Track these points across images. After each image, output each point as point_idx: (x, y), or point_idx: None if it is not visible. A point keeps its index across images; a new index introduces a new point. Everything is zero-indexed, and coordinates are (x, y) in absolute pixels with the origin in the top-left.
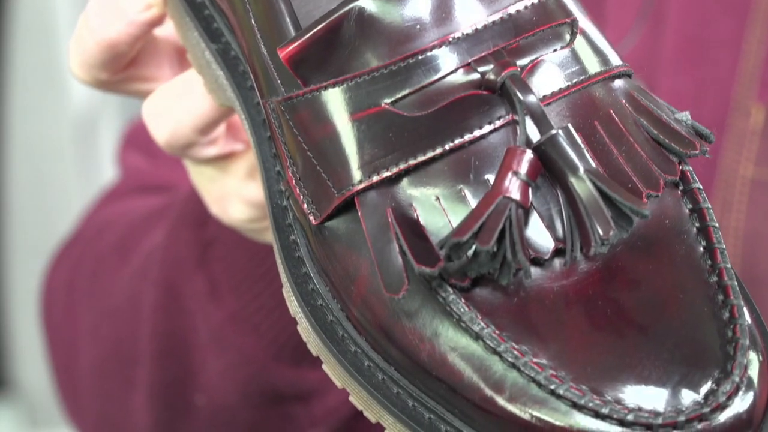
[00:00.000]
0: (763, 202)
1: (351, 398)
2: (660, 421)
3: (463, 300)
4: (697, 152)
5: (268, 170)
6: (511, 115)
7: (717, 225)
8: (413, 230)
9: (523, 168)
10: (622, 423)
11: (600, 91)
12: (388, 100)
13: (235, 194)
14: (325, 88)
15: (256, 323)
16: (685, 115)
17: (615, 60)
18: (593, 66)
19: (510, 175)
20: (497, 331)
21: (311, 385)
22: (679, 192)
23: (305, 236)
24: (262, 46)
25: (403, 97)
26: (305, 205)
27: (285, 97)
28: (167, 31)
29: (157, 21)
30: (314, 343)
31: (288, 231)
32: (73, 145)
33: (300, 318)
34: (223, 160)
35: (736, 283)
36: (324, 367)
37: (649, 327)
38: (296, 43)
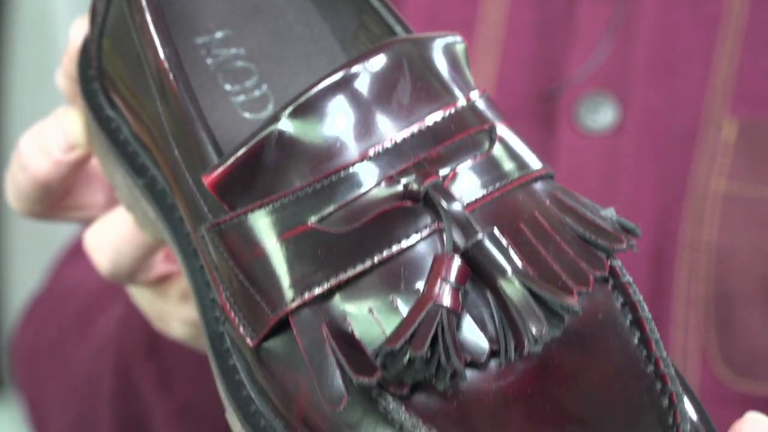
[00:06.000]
0: (736, 217)
1: None
2: None
3: (403, 407)
4: (623, 247)
5: (203, 298)
6: (436, 223)
7: (650, 316)
8: (349, 343)
9: (452, 274)
10: None
11: (522, 194)
12: (314, 219)
13: (172, 315)
14: (252, 211)
15: (207, 413)
16: (610, 212)
17: (535, 164)
18: (514, 171)
19: (439, 281)
20: None
21: None
22: (610, 287)
23: (243, 359)
24: (188, 175)
25: (329, 214)
26: (241, 328)
27: (213, 223)
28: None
29: (83, 161)
30: None
31: (226, 355)
32: None
33: None
34: (159, 283)
35: (673, 370)
36: None
37: (590, 420)
38: (219, 170)
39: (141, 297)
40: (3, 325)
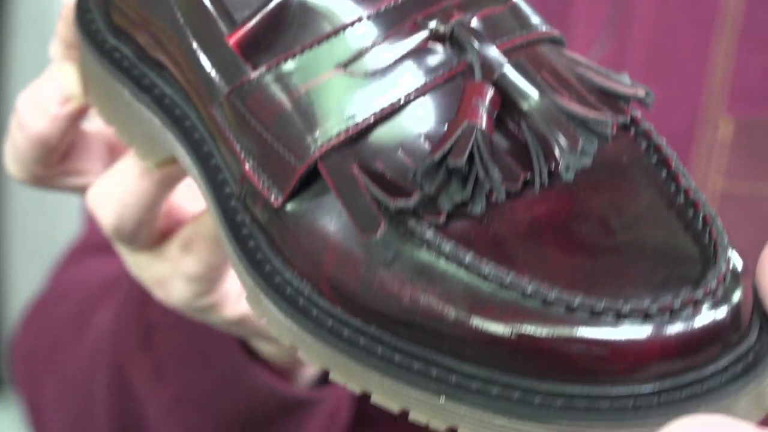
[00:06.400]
0: (733, 215)
1: (332, 376)
2: (656, 308)
3: (441, 234)
4: (642, 94)
5: (219, 195)
6: (463, 62)
7: (675, 155)
8: (381, 179)
9: (485, 98)
10: (618, 315)
11: (541, 47)
12: (339, 65)
13: (173, 275)
14: (276, 65)
15: (202, 403)
16: (624, 76)
17: (548, 27)
18: (529, 28)
19: (472, 104)
20: (479, 257)
21: None
22: (632, 134)
23: (265, 234)
24: (204, 58)
25: (354, 59)
26: (267, 190)
27: (235, 85)
28: (96, 125)
29: (80, 113)
30: (288, 333)
31: (245, 239)
32: None
33: (270, 313)
34: (158, 244)
35: (703, 198)
36: (300, 354)
37: (626, 242)
38: (245, 29)
39: (139, 264)
40: (3, 325)
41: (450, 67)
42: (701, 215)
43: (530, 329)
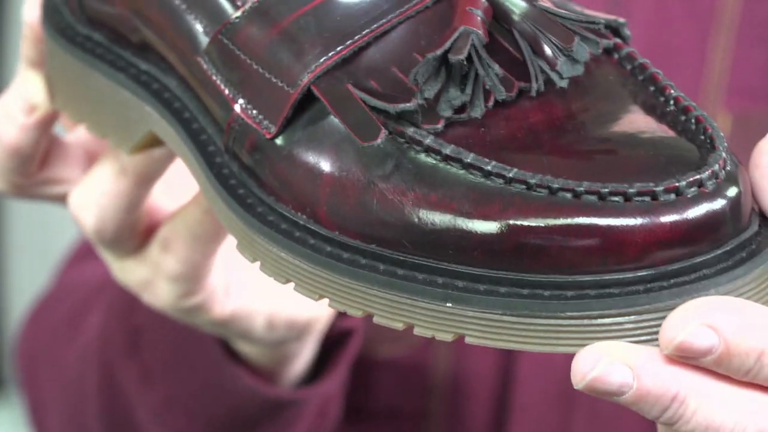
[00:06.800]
0: None
1: (331, 303)
2: (662, 188)
3: (441, 139)
4: (623, 21)
5: (203, 151)
6: None
7: (660, 71)
8: (376, 94)
9: (478, 6)
10: (625, 197)
11: None
12: None
13: (157, 276)
14: None
15: (189, 406)
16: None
17: None
18: None
19: (467, 12)
20: (480, 157)
21: None
22: (616, 58)
23: (255, 178)
24: (183, 8)
25: None
26: (258, 124)
27: (224, 22)
28: (74, 136)
29: (48, 120)
30: (284, 269)
31: (234, 187)
32: None
33: (265, 253)
34: (140, 247)
35: (694, 103)
36: (296, 288)
37: (622, 145)
38: None
39: (124, 269)
40: (3, 325)
41: None
42: (694, 116)
43: (537, 220)
